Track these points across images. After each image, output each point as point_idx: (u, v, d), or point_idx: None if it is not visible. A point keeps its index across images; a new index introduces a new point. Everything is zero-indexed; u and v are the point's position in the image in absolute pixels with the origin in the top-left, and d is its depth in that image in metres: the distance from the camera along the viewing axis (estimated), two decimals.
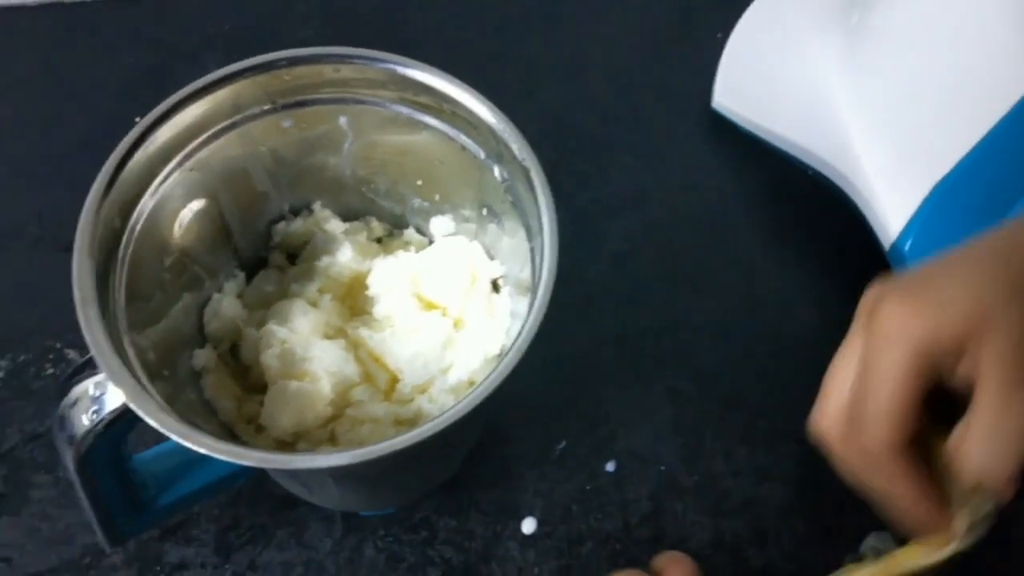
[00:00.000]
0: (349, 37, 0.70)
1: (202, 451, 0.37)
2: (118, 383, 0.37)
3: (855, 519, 0.46)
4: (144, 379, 0.40)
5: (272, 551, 0.52)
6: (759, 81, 0.64)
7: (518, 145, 0.44)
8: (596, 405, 0.56)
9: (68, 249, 0.41)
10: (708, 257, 0.62)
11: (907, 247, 0.55)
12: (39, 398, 0.56)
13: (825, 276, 0.61)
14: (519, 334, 0.40)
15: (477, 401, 0.38)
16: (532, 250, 0.45)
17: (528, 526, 0.52)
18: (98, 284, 0.41)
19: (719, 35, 0.65)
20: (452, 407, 0.38)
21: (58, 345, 0.57)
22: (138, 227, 0.44)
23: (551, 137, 0.66)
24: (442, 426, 0.37)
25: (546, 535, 0.52)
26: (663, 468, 0.54)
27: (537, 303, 0.40)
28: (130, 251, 0.44)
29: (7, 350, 0.57)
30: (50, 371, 0.57)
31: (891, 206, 0.56)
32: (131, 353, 0.41)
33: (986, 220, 0.46)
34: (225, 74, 0.45)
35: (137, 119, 0.45)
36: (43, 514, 0.52)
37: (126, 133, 0.44)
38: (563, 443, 0.55)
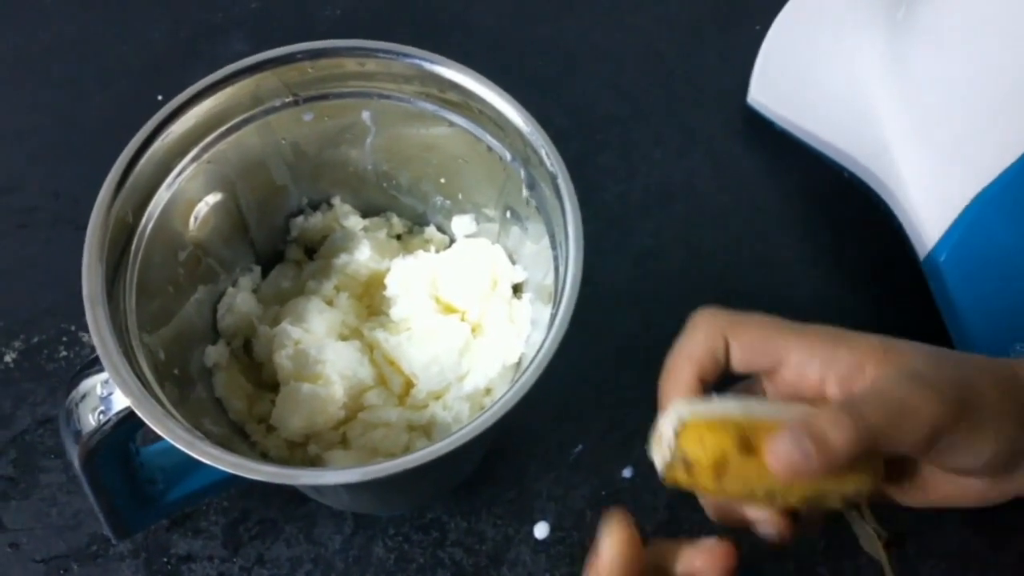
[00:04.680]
0: (376, 20, 0.69)
1: (206, 461, 0.36)
2: (124, 390, 0.37)
3: None
4: (152, 381, 0.39)
5: (280, 546, 0.51)
6: (797, 77, 0.63)
7: (546, 150, 0.43)
8: (615, 409, 0.55)
9: (85, 229, 0.40)
10: (736, 258, 0.60)
11: (943, 259, 0.54)
12: (52, 381, 0.55)
13: (857, 283, 0.59)
14: (539, 348, 0.39)
15: (494, 419, 0.37)
16: (556, 258, 0.43)
17: (541, 531, 0.52)
18: (109, 279, 0.40)
19: (758, 27, 0.64)
20: (468, 424, 0.37)
21: (72, 328, 0.57)
22: (152, 220, 0.44)
23: (580, 129, 0.65)
24: (457, 444, 0.36)
25: (558, 541, 0.52)
26: None
27: (559, 317, 0.39)
28: (143, 244, 0.43)
29: (21, 331, 0.57)
30: (64, 354, 0.56)
31: (928, 215, 0.55)
32: (140, 353, 0.40)
33: None
34: (244, 66, 0.44)
35: (160, 97, 0.45)
36: (52, 499, 0.52)
37: (148, 111, 0.43)
38: (580, 447, 0.54)
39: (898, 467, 0.38)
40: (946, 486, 0.38)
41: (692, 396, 0.37)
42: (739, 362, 0.37)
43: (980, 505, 0.38)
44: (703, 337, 0.37)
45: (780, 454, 0.33)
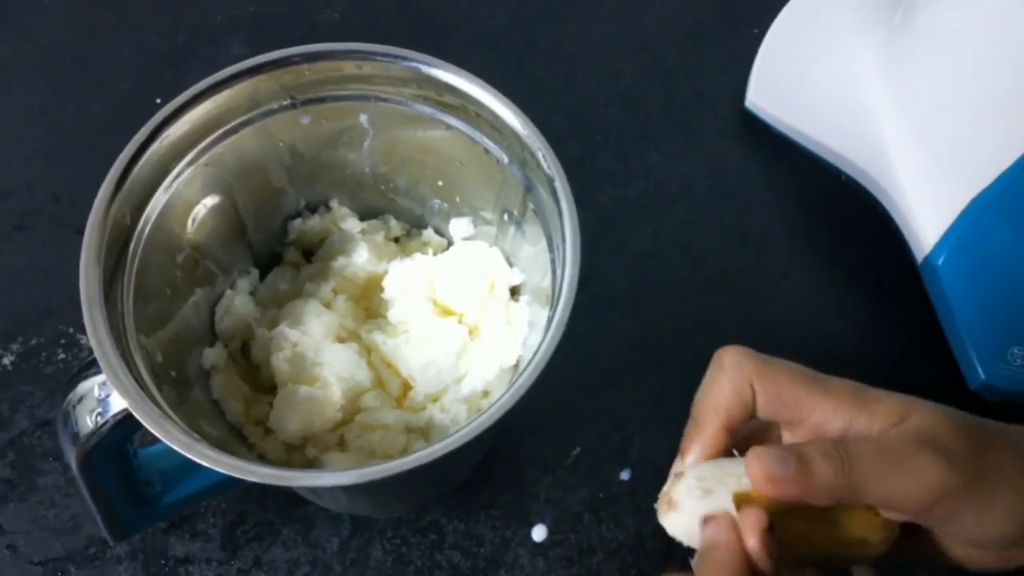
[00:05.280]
0: (375, 23, 0.69)
1: (203, 463, 0.36)
2: (121, 391, 0.37)
3: None
4: (150, 383, 0.39)
5: (278, 548, 0.51)
6: (794, 81, 0.63)
7: (543, 153, 0.43)
8: (613, 411, 0.55)
9: (83, 231, 0.40)
10: (734, 261, 0.60)
11: (940, 262, 0.54)
12: (50, 383, 0.55)
13: (855, 286, 0.59)
14: (536, 351, 0.39)
15: (491, 421, 0.37)
16: (553, 260, 0.43)
17: (538, 533, 0.52)
18: (106, 282, 0.40)
19: (756, 31, 0.64)
20: (466, 426, 0.37)
21: (71, 330, 0.57)
22: (150, 223, 0.43)
23: (578, 131, 0.65)
24: (454, 446, 0.36)
25: (556, 543, 0.52)
26: None
27: (556, 319, 0.39)
28: (141, 247, 0.43)
29: (19, 333, 0.57)
30: (62, 356, 0.56)
31: (925, 218, 0.55)
32: (138, 355, 0.40)
33: None
34: (242, 69, 0.44)
35: (158, 100, 0.45)
36: (50, 502, 0.52)
37: (147, 114, 0.43)
38: (577, 449, 0.54)
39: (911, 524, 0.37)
40: (958, 549, 0.37)
41: (710, 451, 0.36)
42: (763, 411, 0.36)
43: (998, 570, 0.37)
44: (731, 387, 0.36)
45: (762, 460, 0.33)
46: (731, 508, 0.34)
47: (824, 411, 0.35)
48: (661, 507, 0.36)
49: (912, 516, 0.34)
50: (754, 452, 0.33)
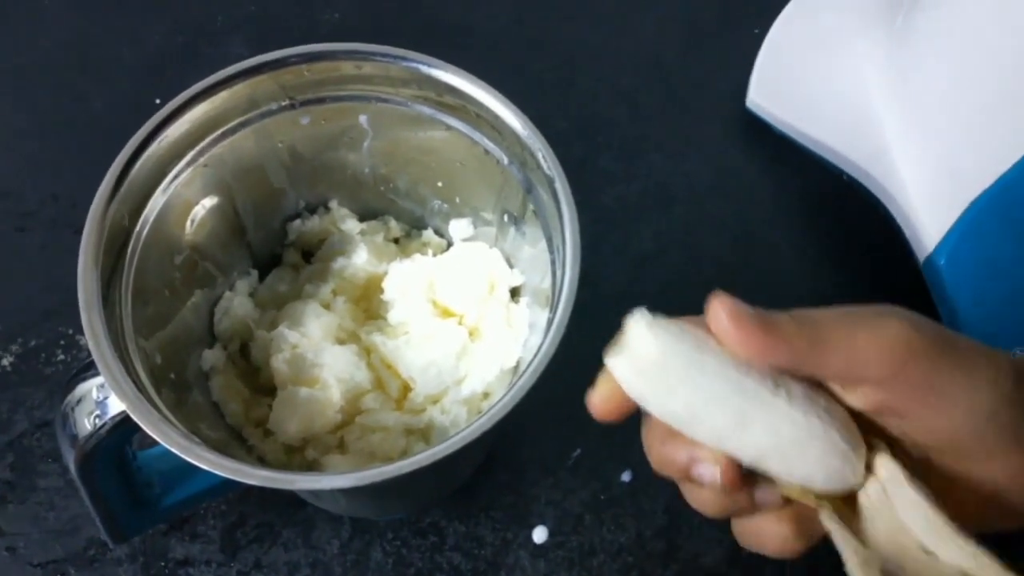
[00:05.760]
0: (375, 24, 0.69)
1: (203, 466, 0.36)
2: (119, 394, 0.37)
3: None
4: (149, 385, 0.39)
5: (278, 550, 0.51)
6: (796, 81, 0.62)
7: (543, 153, 0.43)
8: None
9: (82, 232, 0.40)
10: (736, 262, 0.60)
11: (942, 262, 0.53)
12: (49, 385, 0.55)
13: (856, 286, 0.59)
14: (536, 352, 0.38)
15: (491, 423, 0.37)
16: (553, 262, 0.43)
17: (539, 535, 0.52)
18: (105, 283, 0.40)
19: (757, 31, 0.63)
20: (465, 429, 0.37)
21: (70, 331, 0.57)
22: (149, 224, 0.43)
23: (580, 131, 0.64)
24: (454, 448, 0.36)
25: (557, 545, 0.51)
26: None
27: (556, 321, 0.39)
28: (139, 249, 0.43)
29: (18, 334, 0.57)
30: (61, 357, 0.56)
31: (928, 218, 0.54)
32: (136, 357, 0.40)
33: None
34: (241, 69, 0.44)
35: (158, 100, 0.44)
36: (49, 503, 0.52)
37: (146, 115, 0.43)
38: (578, 450, 0.54)
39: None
40: (968, 493, 0.33)
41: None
42: None
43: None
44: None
45: (726, 300, 0.31)
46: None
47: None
48: (610, 349, 0.33)
49: (875, 391, 0.32)
50: (715, 295, 0.31)
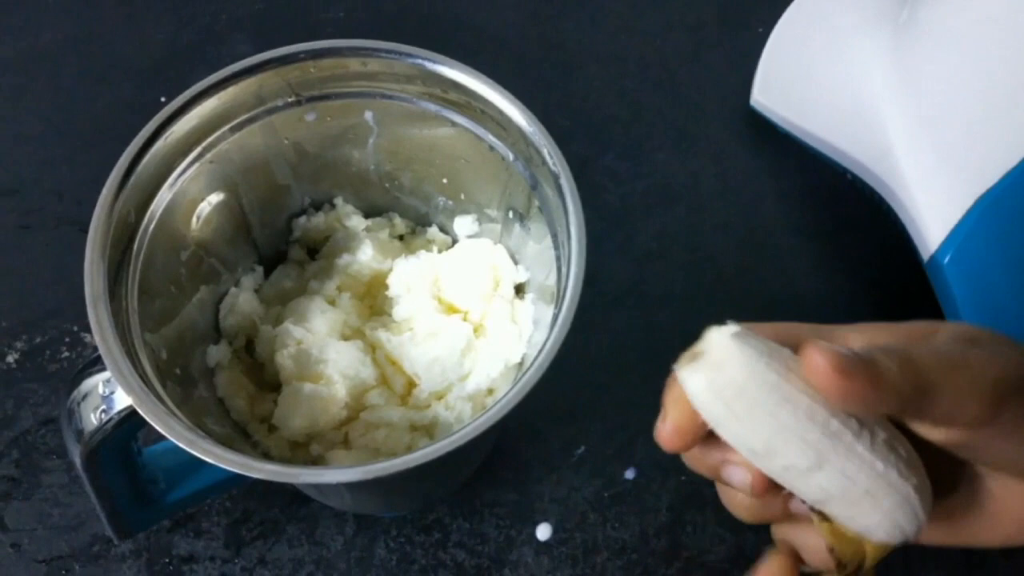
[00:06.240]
0: (379, 21, 0.69)
1: (208, 460, 0.36)
2: (126, 388, 0.37)
3: None
4: (155, 380, 0.39)
5: (282, 547, 0.51)
6: (800, 79, 0.62)
7: (548, 150, 0.43)
8: (618, 410, 0.55)
9: (88, 230, 0.40)
10: (740, 260, 0.60)
11: (946, 261, 0.53)
12: (54, 381, 0.55)
13: (861, 286, 0.59)
14: (541, 349, 0.38)
15: (496, 419, 0.37)
16: (558, 258, 0.43)
17: (543, 532, 0.52)
18: (111, 278, 0.40)
19: (760, 29, 0.64)
20: (470, 423, 0.37)
21: (75, 328, 0.57)
22: (154, 220, 0.43)
23: (584, 130, 0.64)
24: (459, 443, 0.36)
25: (561, 542, 0.52)
26: (684, 478, 0.53)
27: (561, 317, 0.39)
28: (145, 244, 0.43)
29: (23, 331, 0.57)
30: (66, 354, 0.56)
31: (932, 216, 0.54)
32: (142, 352, 0.40)
33: None
34: (247, 66, 0.44)
35: (163, 99, 0.44)
36: (54, 500, 0.52)
37: (151, 113, 0.43)
38: (582, 448, 0.54)
39: (949, 480, 0.33)
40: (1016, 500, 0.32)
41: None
42: None
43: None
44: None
45: (824, 349, 0.28)
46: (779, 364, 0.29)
47: (854, 341, 0.32)
48: (684, 360, 0.31)
49: (965, 432, 0.30)
50: (811, 343, 0.28)
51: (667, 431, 0.32)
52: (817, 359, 0.28)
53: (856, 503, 0.30)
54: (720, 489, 0.35)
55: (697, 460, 0.33)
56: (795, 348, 0.30)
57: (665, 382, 0.52)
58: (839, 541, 0.31)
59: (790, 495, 0.32)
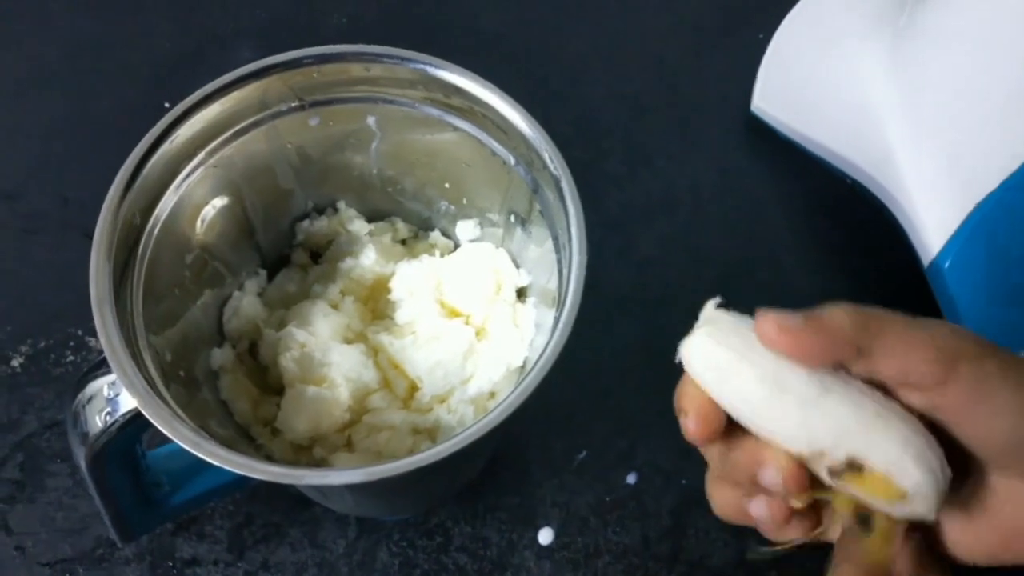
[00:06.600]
0: (382, 28, 0.70)
1: (213, 462, 0.36)
2: (131, 390, 0.37)
3: None
4: (159, 382, 0.39)
5: (285, 550, 0.51)
6: (800, 85, 0.63)
7: (550, 154, 0.43)
8: (619, 415, 0.55)
9: (92, 234, 0.40)
10: (740, 266, 0.60)
11: (947, 266, 0.53)
12: (58, 385, 0.55)
13: (861, 290, 0.59)
14: (543, 351, 0.39)
15: (498, 421, 0.37)
16: (560, 262, 0.43)
17: (545, 536, 0.52)
18: (116, 281, 0.40)
19: (761, 36, 0.64)
20: (472, 426, 0.37)
21: (79, 332, 0.57)
22: (159, 224, 0.44)
23: (584, 136, 0.65)
24: (461, 445, 0.36)
25: (563, 546, 0.52)
26: (685, 482, 0.53)
27: (562, 321, 0.39)
28: (150, 248, 0.43)
29: (28, 335, 0.57)
30: (70, 358, 0.56)
31: (932, 222, 0.55)
32: (147, 354, 0.40)
33: None
34: (252, 70, 0.44)
35: (167, 104, 0.45)
36: (59, 503, 0.52)
37: (155, 118, 0.44)
38: (584, 452, 0.54)
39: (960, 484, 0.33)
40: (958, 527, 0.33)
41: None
42: None
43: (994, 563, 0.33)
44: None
45: (770, 314, 0.31)
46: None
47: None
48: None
49: (929, 394, 0.31)
50: (760, 311, 0.32)
51: (691, 422, 0.34)
52: (764, 320, 0.31)
53: (872, 429, 0.31)
54: (752, 508, 0.35)
55: (729, 471, 0.34)
56: None
57: (666, 385, 0.52)
58: (871, 488, 0.32)
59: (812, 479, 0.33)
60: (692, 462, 0.53)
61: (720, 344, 0.32)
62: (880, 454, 0.31)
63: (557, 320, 0.40)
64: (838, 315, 0.31)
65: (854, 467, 0.31)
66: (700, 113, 0.66)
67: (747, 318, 0.33)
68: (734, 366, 0.32)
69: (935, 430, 0.32)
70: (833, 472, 0.31)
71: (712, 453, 0.35)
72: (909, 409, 0.32)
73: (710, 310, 0.34)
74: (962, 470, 0.32)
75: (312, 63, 0.45)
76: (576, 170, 0.43)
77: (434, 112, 0.47)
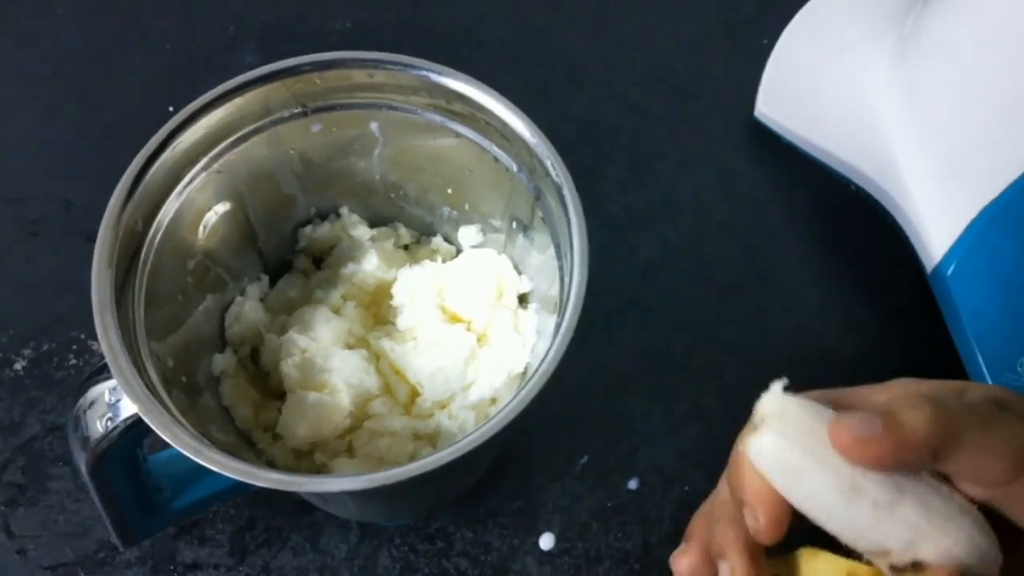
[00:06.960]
0: (384, 33, 0.70)
1: (213, 468, 0.36)
2: (132, 396, 0.37)
3: None
4: (160, 388, 0.39)
5: (287, 554, 0.51)
6: (804, 91, 0.63)
7: (552, 161, 0.43)
8: (620, 420, 0.55)
9: (95, 239, 0.41)
10: (743, 272, 0.60)
11: (949, 272, 0.54)
12: (61, 389, 0.55)
13: (864, 297, 0.59)
14: (544, 357, 0.39)
15: (499, 427, 0.37)
16: (561, 268, 0.43)
17: (546, 541, 0.52)
18: (118, 288, 0.40)
19: (765, 41, 0.64)
20: (473, 432, 0.37)
21: (82, 336, 0.57)
22: (161, 229, 0.44)
23: (587, 140, 0.65)
24: (462, 451, 0.36)
25: (564, 552, 0.52)
26: (687, 488, 0.53)
27: (564, 326, 0.39)
28: (152, 253, 0.43)
29: (31, 339, 0.57)
30: (73, 362, 0.56)
31: (935, 228, 0.55)
32: (148, 360, 0.40)
33: None
34: (254, 77, 0.44)
35: (171, 108, 0.45)
36: (60, 506, 0.52)
37: (159, 123, 0.44)
38: (585, 458, 0.54)
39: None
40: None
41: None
42: None
43: None
44: None
45: (845, 425, 0.30)
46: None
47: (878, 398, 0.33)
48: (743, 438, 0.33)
49: (996, 485, 0.31)
50: (834, 422, 0.30)
51: (763, 520, 0.32)
52: (840, 434, 0.30)
53: (942, 531, 0.31)
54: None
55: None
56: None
57: (667, 391, 0.52)
58: None
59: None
60: (693, 467, 0.54)
61: (794, 445, 0.31)
62: (946, 556, 0.31)
63: (559, 326, 0.40)
64: (916, 420, 0.30)
65: (918, 567, 0.31)
66: (703, 118, 0.66)
67: (816, 407, 0.31)
68: (808, 470, 0.31)
69: (985, 509, 0.32)
70: (895, 570, 0.31)
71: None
72: (970, 499, 0.32)
73: (776, 398, 0.32)
74: (1010, 545, 0.32)
75: (314, 69, 0.45)
76: (578, 175, 0.43)
77: (436, 118, 0.47)
